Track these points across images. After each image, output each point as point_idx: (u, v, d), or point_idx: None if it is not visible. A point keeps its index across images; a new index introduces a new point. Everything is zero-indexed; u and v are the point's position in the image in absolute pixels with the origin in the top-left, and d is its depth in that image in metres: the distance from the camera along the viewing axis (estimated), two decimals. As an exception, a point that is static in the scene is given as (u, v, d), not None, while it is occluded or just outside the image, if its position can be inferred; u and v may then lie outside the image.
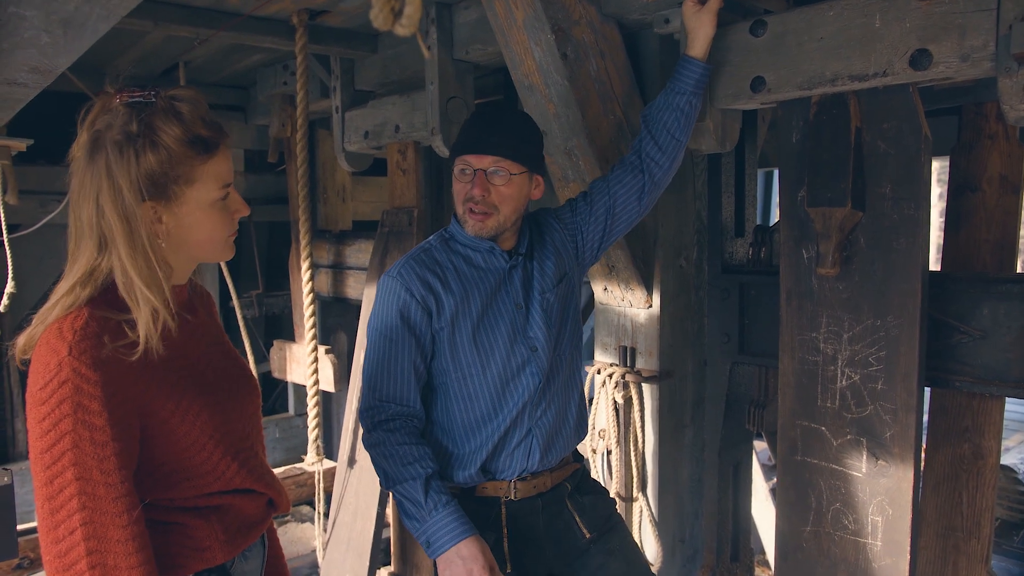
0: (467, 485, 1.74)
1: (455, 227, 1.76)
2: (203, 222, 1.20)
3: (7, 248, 3.21)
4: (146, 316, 1.12)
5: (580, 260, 1.90)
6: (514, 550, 1.74)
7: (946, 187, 2.32)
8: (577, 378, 1.87)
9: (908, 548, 1.81)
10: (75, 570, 1.07)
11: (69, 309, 1.11)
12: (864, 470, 1.86)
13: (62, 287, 1.14)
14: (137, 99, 1.13)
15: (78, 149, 1.14)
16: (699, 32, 1.88)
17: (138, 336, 1.12)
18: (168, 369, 1.17)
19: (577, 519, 1.82)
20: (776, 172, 6.84)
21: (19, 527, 2.85)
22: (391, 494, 1.63)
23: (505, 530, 1.73)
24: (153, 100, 1.13)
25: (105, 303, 1.13)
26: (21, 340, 1.14)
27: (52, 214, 3.51)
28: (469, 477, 1.72)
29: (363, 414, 1.69)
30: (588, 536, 1.82)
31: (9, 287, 3.20)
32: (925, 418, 2.03)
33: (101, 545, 1.07)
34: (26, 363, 1.12)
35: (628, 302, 2.51)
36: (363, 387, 1.71)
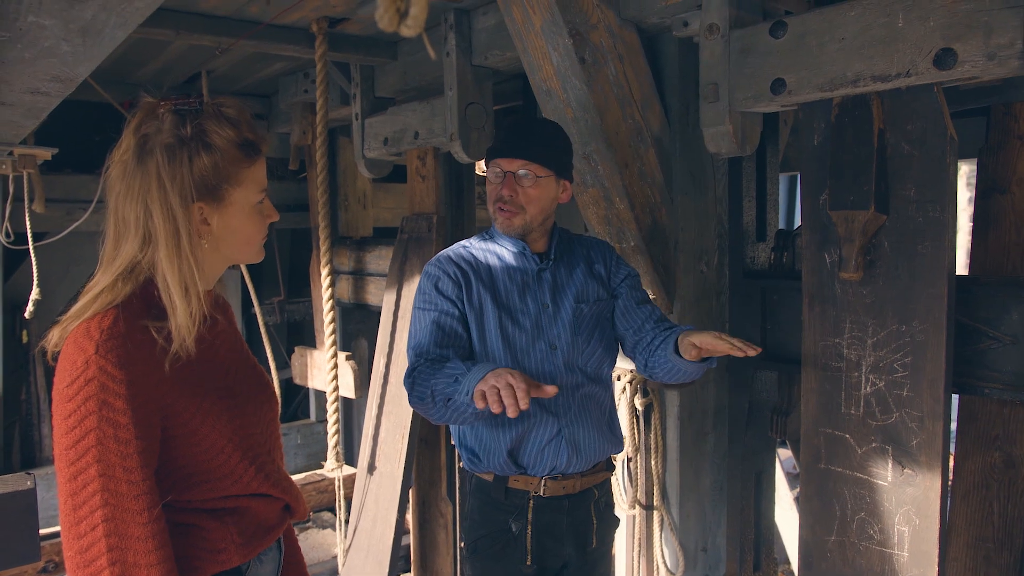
0: (499, 474, 1.84)
1: (494, 228, 1.90)
2: (245, 224, 1.24)
3: (33, 256, 3.27)
4: (183, 318, 1.15)
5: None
6: (536, 543, 1.83)
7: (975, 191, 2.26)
8: (609, 392, 1.95)
9: (936, 559, 1.76)
10: (96, 566, 1.09)
11: (109, 305, 1.14)
12: (890, 479, 1.82)
13: (102, 282, 1.16)
14: (183, 106, 1.17)
15: (123, 153, 1.17)
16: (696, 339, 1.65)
17: (163, 340, 1.14)
18: (191, 372, 1.19)
19: (595, 526, 1.91)
20: (799, 176, 6.78)
21: (42, 531, 2.88)
22: (436, 416, 1.64)
23: (530, 524, 1.82)
24: (199, 107, 1.18)
25: (142, 303, 1.16)
26: (55, 334, 1.17)
27: (78, 222, 3.56)
28: (499, 465, 1.82)
29: (404, 377, 1.75)
30: (594, 546, 1.91)
31: (34, 294, 3.25)
32: (953, 426, 1.98)
33: (122, 542, 1.09)
34: (56, 357, 1.15)
35: (648, 308, 2.49)
36: (407, 356, 1.82)
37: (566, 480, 1.84)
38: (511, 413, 1.39)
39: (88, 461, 1.08)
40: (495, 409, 1.41)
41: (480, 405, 1.44)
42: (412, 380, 1.69)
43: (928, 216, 1.72)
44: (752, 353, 1.58)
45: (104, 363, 1.08)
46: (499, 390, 1.41)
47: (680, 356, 1.68)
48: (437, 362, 1.69)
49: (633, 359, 1.90)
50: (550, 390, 1.45)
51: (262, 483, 1.27)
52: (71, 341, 1.12)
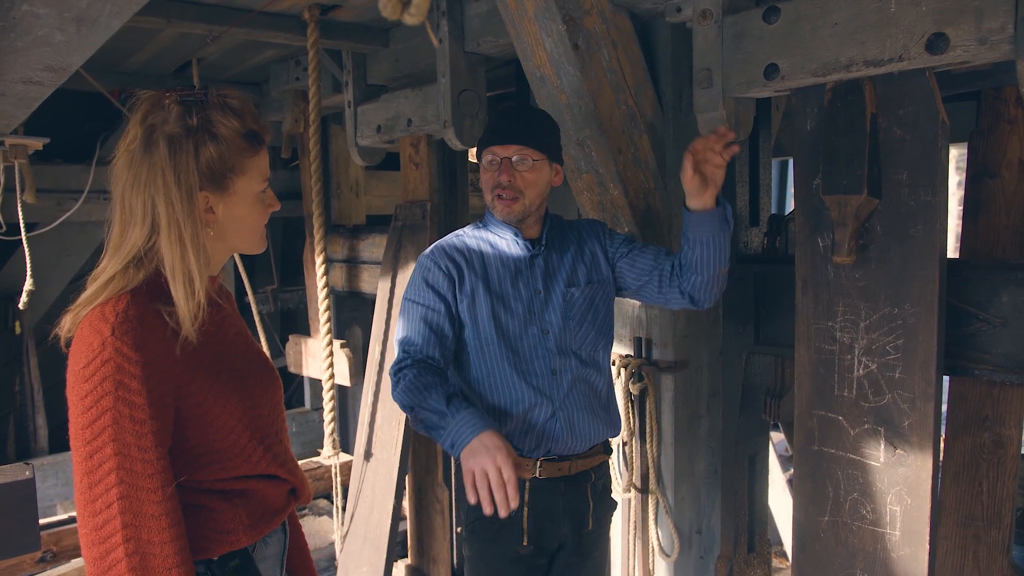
0: None
1: (488, 216, 1.95)
2: (249, 213, 1.27)
3: (25, 246, 3.25)
4: (189, 303, 1.18)
5: (614, 282, 1.99)
6: (532, 525, 1.86)
7: (964, 175, 2.28)
8: (605, 376, 1.97)
9: (927, 538, 1.79)
10: (111, 542, 1.11)
11: (122, 291, 1.16)
12: (882, 459, 1.85)
13: (110, 269, 1.18)
14: (189, 97, 1.20)
15: (129, 143, 1.20)
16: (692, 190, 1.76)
17: (175, 324, 1.17)
18: (203, 354, 1.23)
19: (591, 509, 1.93)
20: (792, 161, 6.80)
21: (41, 521, 2.89)
22: (415, 425, 1.70)
23: (527, 505, 1.85)
24: (204, 98, 1.20)
25: (154, 289, 1.19)
26: (67, 320, 1.19)
27: (69, 212, 3.55)
28: None
29: (391, 369, 1.79)
30: (591, 528, 1.94)
31: (28, 284, 3.24)
32: (944, 407, 2.00)
33: (136, 520, 1.12)
34: (67, 343, 1.18)
35: (642, 293, 2.50)
36: (395, 348, 1.85)
37: (562, 462, 1.86)
38: (503, 513, 1.47)
39: (104, 440, 1.11)
40: (487, 511, 1.47)
41: (471, 499, 1.50)
42: (398, 379, 1.73)
43: (920, 200, 1.74)
44: (730, 136, 1.72)
45: (120, 345, 1.11)
46: (488, 480, 1.47)
47: (693, 212, 1.75)
48: (424, 370, 1.72)
49: (666, 296, 1.91)
50: (525, 473, 1.55)
51: (270, 463, 1.30)
52: (86, 324, 1.14)
